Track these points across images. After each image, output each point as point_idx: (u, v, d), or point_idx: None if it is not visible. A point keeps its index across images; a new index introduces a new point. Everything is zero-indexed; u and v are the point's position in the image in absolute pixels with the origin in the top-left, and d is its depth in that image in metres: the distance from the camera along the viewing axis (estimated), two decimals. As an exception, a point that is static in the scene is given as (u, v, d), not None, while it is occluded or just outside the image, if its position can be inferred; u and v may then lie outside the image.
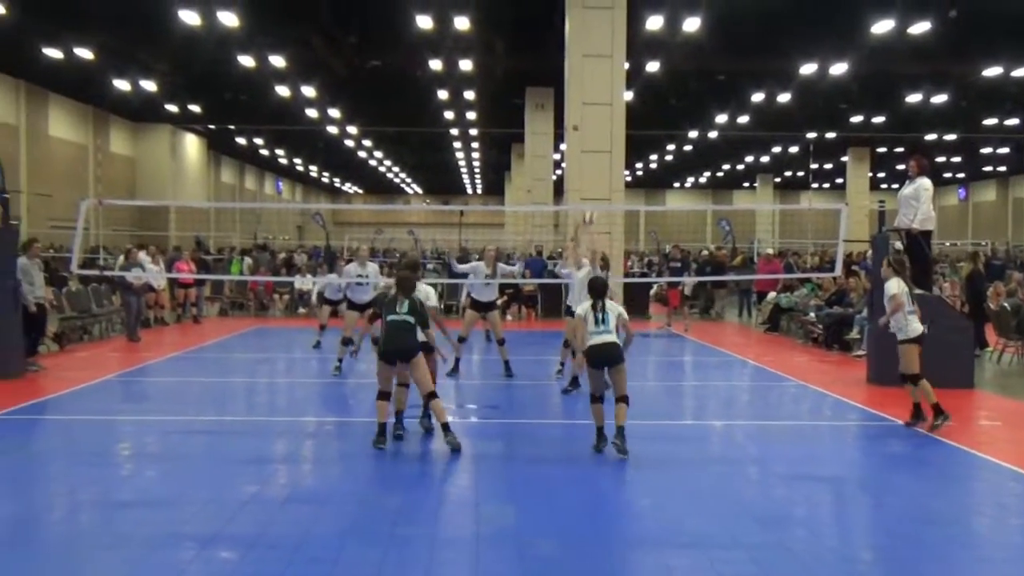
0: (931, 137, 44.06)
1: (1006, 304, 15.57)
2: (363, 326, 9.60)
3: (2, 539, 6.06)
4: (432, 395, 8.45)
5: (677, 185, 74.52)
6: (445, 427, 8.28)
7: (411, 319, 8.39)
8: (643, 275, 28.43)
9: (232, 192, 58.90)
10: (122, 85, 32.25)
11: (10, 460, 8.06)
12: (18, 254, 12.84)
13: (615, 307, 8.32)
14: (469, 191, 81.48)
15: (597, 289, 8.36)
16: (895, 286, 9.69)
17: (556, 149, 36.65)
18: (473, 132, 45.87)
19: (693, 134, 44.51)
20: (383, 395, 8.46)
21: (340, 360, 12.87)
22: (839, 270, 15.73)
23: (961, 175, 64.97)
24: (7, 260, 12.33)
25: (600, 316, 8.14)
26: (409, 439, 8.87)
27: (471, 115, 40.03)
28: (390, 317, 8.44)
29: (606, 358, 8.10)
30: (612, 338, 8.11)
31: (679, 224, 53.35)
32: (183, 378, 13.07)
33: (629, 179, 57.12)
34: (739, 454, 8.79)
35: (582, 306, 8.38)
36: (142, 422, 9.66)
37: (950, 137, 44.18)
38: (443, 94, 34.21)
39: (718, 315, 23.68)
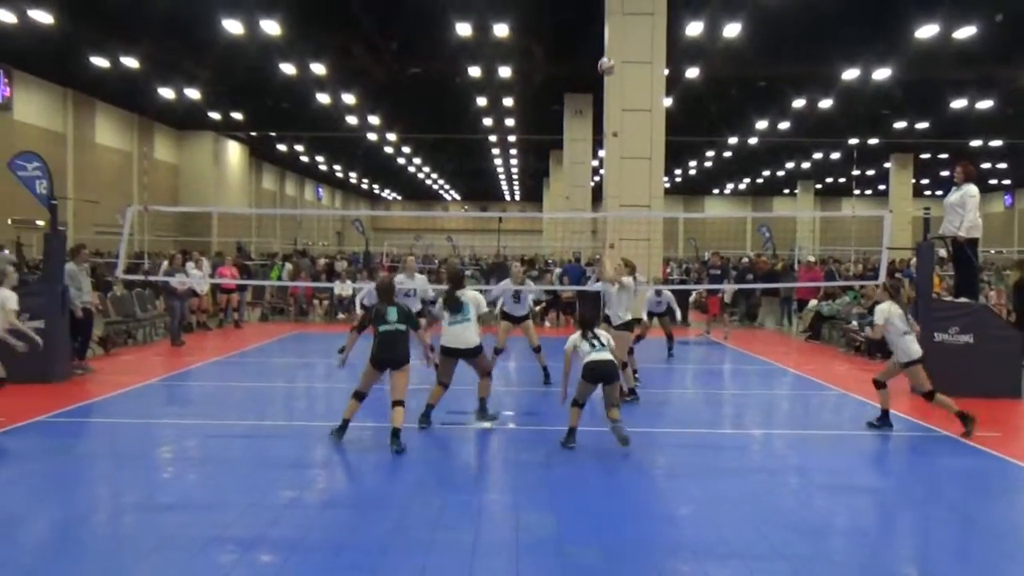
0: (976, 143, 43.40)
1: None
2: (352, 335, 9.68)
3: (51, 540, 6.17)
4: (399, 403, 8.69)
5: (716, 192, 74.11)
6: (396, 432, 8.50)
7: (403, 327, 8.78)
8: (682, 282, 28.25)
9: (273, 198, 59.54)
10: (166, 93, 32.79)
11: (57, 462, 8.20)
12: (66, 259, 13.07)
13: (604, 334, 8.96)
14: (507, 197, 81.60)
15: (586, 322, 8.98)
16: (884, 311, 9.78)
17: (595, 155, 36.60)
18: (512, 138, 45.96)
19: (733, 140, 44.23)
20: (358, 395, 8.88)
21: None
22: (883, 277, 15.52)
23: (1007, 182, 63.89)
24: (55, 265, 12.56)
25: (593, 343, 8.72)
26: (449, 445, 8.89)
27: (510, 121, 40.13)
28: (382, 327, 8.81)
29: (603, 374, 8.59)
30: (609, 356, 8.66)
31: (718, 231, 53.11)
32: (224, 382, 13.22)
33: (668, 186, 56.83)
34: (779, 463, 8.70)
35: (572, 337, 8.87)
36: (184, 425, 9.78)
37: (996, 143, 43.47)
38: (482, 100, 34.33)
39: (760, 323, 23.49)
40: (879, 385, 9.98)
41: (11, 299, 10.72)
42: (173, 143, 44.40)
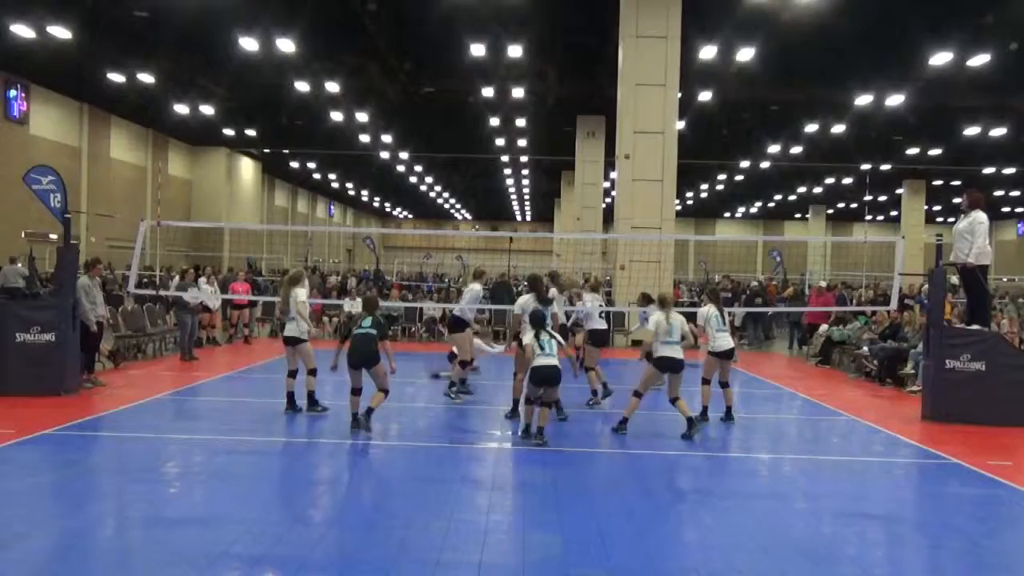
0: (989, 170, 43.32)
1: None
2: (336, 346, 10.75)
3: (58, 554, 6.16)
4: (382, 390, 10.25)
5: (728, 215, 74.10)
6: (369, 411, 10.15)
7: (373, 331, 10.11)
8: (692, 305, 28.18)
9: (285, 215, 59.77)
10: (181, 109, 33.01)
11: (65, 475, 8.21)
12: (79, 273, 13.13)
13: (556, 336, 9.88)
14: (518, 218, 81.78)
15: (537, 321, 9.88)
16: (702, 313, 11.90)
17: (606, 177, 36.68)
18: (523, 159, 46.09)
19: (745, 164, 44.28)
20: (354, 391, 10.27)
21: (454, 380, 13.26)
22: (895, 303, 15.50)
23: (1020, 209, 63.67)
24: (67, 279, 12.61)
25: (543, 346, 9.61)
26: (457, 464, 8.87)
27: (522, 142, 40.27)
28: (355, 331, 10.23)
29: (547, 378, 9.56)
30: (554, 361, 9.53)
31: (729, 254, 52.96)
32: (233, 398, 13.23)
33: (679, 208, 56.91)
34: (789, 488, 8.65)
35: (530, 335, 9.76)
36: (192, 441, 9.78)
37: (1009, 171, 43.38)
38: (494, 121, 34.47)
39: (767, 346, 23.42)
40: (705, 382, 11.70)
41: None
42: (187, 158, 44.67)
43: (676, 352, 10.41)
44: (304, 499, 7.53)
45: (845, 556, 6.51)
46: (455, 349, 13.69)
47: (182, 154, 44.13)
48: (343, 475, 8.72)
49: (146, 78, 28.01)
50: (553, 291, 12.49)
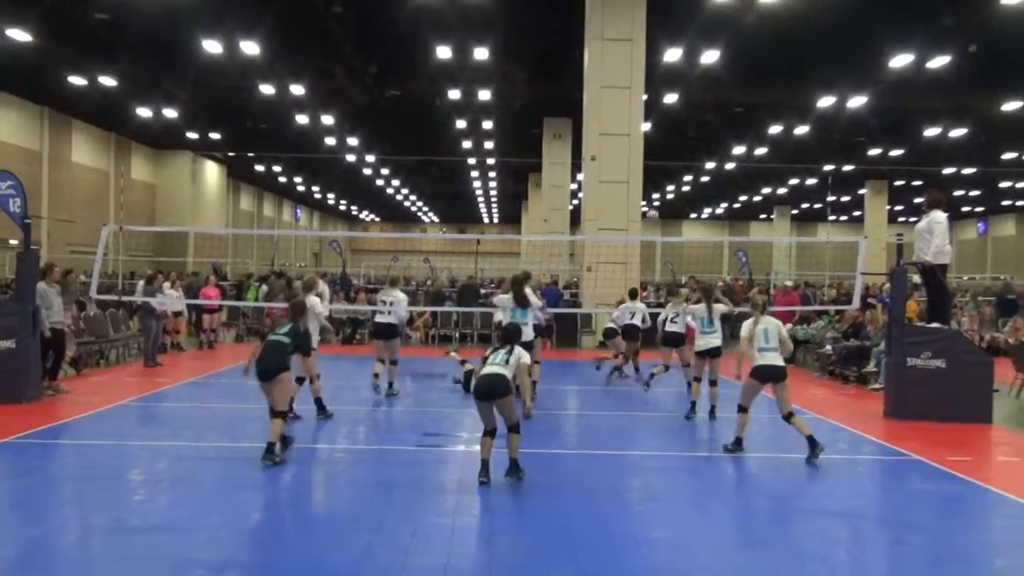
0: (950, 171, 43.97)
1: (1025, 339, 15.46)
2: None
3: (19, 562, 6.06)
4: (276, 414, 8.78)
5: (694, 216, 74.60)
6: (269, 446, 8.67)
7: (286, 340, 8.99)
8: (659, 305, 28.34)
9: (250, 219, 59.36)
10: (144, 112, 32.68)
11: (26, 483, 8.09)
12: (37, 279, 12.93)
13: (521, 352, 8.32)
14: (486, 220, 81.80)
15: (510, 336, 8.51)
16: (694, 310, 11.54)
17: (573, 179, 36.78)
18: (490, 161, 46.12)
19: (710, 165, 44.61)
20: (270, 410, 8.86)
21: (394, 384, 13.50)
22: (857, 303, 15.69)
23: (980, 209, 64.72)
24: (27, 285, 12.43)
25: (490, 357, 8.24)
26: (424, 467, 8.86)
27: (489, 144, 40.30)
28: (269, 337, 9.20)
29: (489, 390, 8.00)
30: (500, 370, 8.05)
31: (695, 255, 53.27)
32: (198, 403, 13.10)
33: (645, 209, 57.14)
34: (755, 487, 8.72)
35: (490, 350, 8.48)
36: (156, 447, 9.68)
37: (969, 171, 44.07)
38: (461, 123, 34.47)
39: (734, 346, 23.56)
40: (696, 379, 12.10)
41: None
42: (150, 162, 44.23)
43: (775, 359, 9.49)
44: (269, 504, 7.48)
45: (810, 553, 6.57)
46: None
47: (145, 158, 43.68)
48: (309, 480, 8.67)
49: (108, 81, 27.71)
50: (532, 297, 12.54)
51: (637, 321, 15.61)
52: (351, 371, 14.89)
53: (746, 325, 9.69)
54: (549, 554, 6.24)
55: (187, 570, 5.78)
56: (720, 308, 12.13)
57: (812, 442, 9.27)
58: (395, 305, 13.36)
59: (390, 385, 13.46)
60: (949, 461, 9.37)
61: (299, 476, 8.73)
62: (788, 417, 9.43)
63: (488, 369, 8.08)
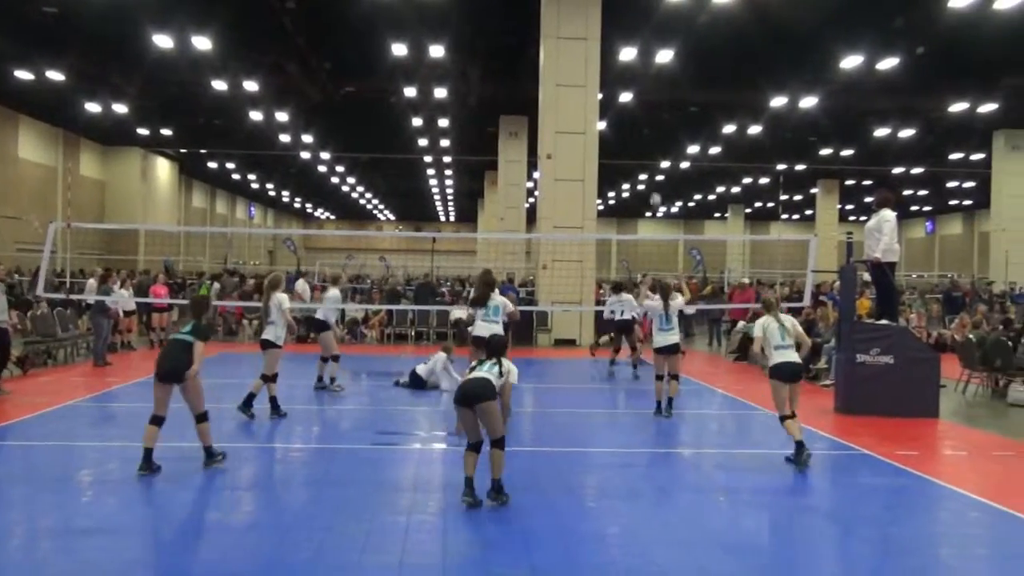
0: (899, 170, 44.74)
1: (971, 336, 15.78)
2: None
3: (-42, 567, 5.93)
4: (198, 417, 8.44)
5: (649, 214, 75.05)
6: (207, 450, 8.49)
7: (190, 338, 8.37)
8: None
9: (203, 216, 58.61)
10: (93, 108, 32.10)
11: (-31, 486, 7.91)
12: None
13: (512, 367, 7.66)
14: (442, 218, 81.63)
15: (493, 348, 7.89)
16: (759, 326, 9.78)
17: (529, 177, 36.84)
18: (447, 159, 46.01)
19: (665, 164, 44.91)
20: (155, 419, 8.29)
21: (325, 379, 13.53)
22: (808, 300, 15.91)
23: (928, 208, 65.94)
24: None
25: (481, 365, 7.63)
26: (377, 465, 8.81)
27: (445, 142, 40.20)
28: (171, 336, 8.78)
29: (471, 393, 7.31)
30: (485, 375, 7.43)
31: (650, 253, 53.67)
32: (148, 403, 12.86)
33: (601, 208, 57.45)
34: (708, 483, 8.80)
35: (473, 363, 7.86)
36: (106, 448, 9.52)
37: (917, 171, 44.88)
38: (417, 121, 34.35)
39: (688, 343, 23.79)
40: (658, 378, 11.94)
41: None
42: (99, 159, 43.43)
43: (792, 356, 9.21)
44: (221, 505, 7.39)
45: (763, 547, 6.66)
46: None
47: (95, 154, 42.90)
48: (261, 480, 8.59)
49: (56, 76, 27.16)
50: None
51: (628, 315, 15.84)
52: (306, 370, 14.75)
53: (759, 324, 9.49)
54: (503, 551, 6.25)
55: (136, 573, 5.70)
56: (677, 304, 12.18)
57: (799, 448, 9.03)
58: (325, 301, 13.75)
59: (332, 380, 13.60)
60: (897, 455, 9.54)
61: (252, 476, 8.65)
62: (790, 416, 9.18)
63: (471, 375, 7.52)
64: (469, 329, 12.40)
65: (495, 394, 7.36)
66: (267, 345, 11.31)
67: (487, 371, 7.48)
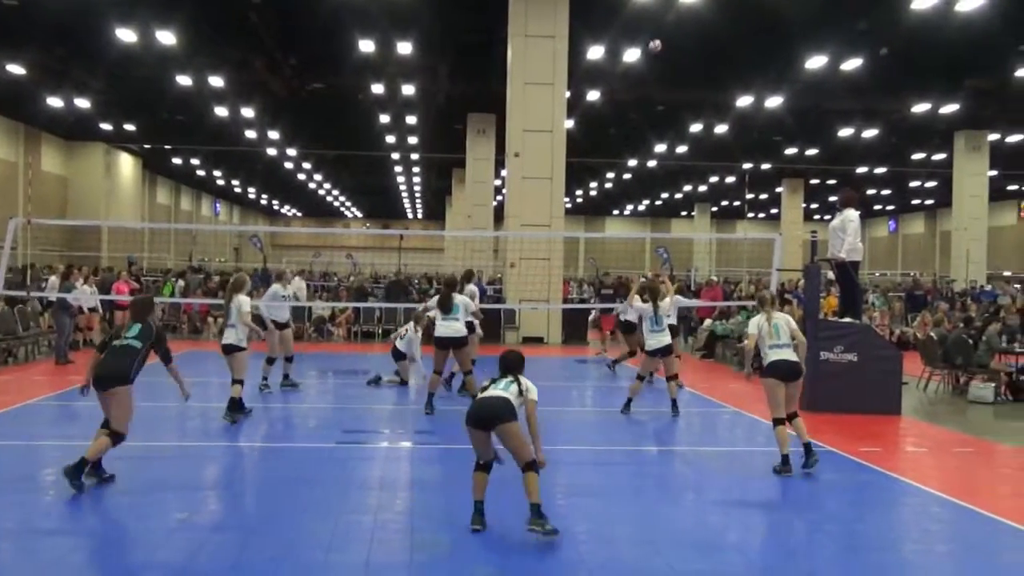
0: (862, 170, 45.27)
1: (933, 333, 16.00)
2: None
3: (-85, 569, 5.83)
4: (114, 435, 7.55)
5: (616, 212, 75.34)
6: (80, 464, 7.36)
7: (137, 343, 7.70)
8: (582, 301, 28.59)
9: (167, 213, 57.99)
10: (55, 102, 31.62)
11: (-74, 487, 7.77)
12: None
13: (530, 385, 6.85)
14: (409, 215, 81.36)
15: (508, 363, 7.07)
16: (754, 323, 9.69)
17: (497, 175, 36.82)
18: (414, 157, 45.87)
19: (632, 162, 45.09)
20: (104, 425, 7.62)
21: (266, 377, 13.24)
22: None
23: (891, 207, 66.77)
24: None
25: (497, 381, 6.89)
26: (348, 464, 8.77)
27: (412, 140, 40.08)
28: (114, 341, 7.84)
29: (485, 414, 6.59)
30: (502, 393, 6.71)
31: (618, 251, 53.86)
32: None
33: (569, 206, 57.60)
34: (675, 480, 8.85)
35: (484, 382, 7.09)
36: (68, 447, 9.37)
37: (880, 170, 45.43)
38: (384, 118, 34.21)
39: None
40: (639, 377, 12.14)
41: None
42: (62, 154, 42.80)
43: (788, 354, 8.80)
44: (187, 504, 7.31)
45: (728, 544, 6.70)
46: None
47: (57, 149, 42.26)
48: (226, 479, 8.51)
49: (16, 69, 26.71)
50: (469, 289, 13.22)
51: (632, 317, 15.94)
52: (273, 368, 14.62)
53: (754, 322, 9.12)
54: (471, 550, 6.24)
55: (99, 573, 5.62)
56: (667, 305, 12.27)
57: (808, 449, 8.73)
58: (298, 293, 13.62)
59: (286, 377, 13.56)
60: (861, 452, 9.66)
61: (216, 475, 8.57)
62: (792, 417, 8.80)
63: (486, 394, 6.76)
64: (428, 314, 12.52)
65: (515, 414, 6.60)
66: (230, 349, 10.96)
67: (503, 389, 6.72)
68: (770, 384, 8.77)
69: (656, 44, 16.40)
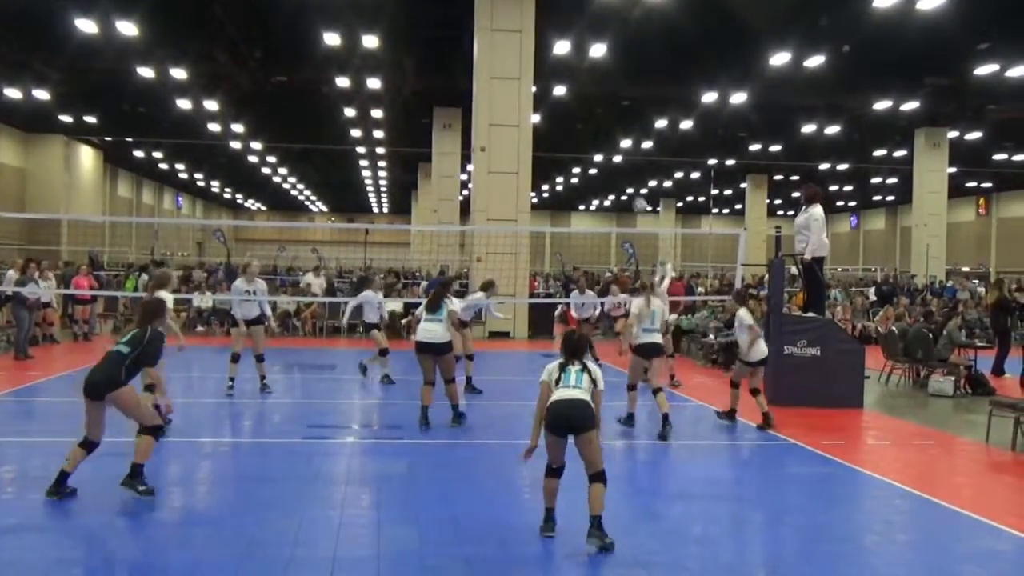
0: (825, 166, 45.74)
1: (894, 328, 16.23)
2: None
3: None
4: (150, 430, 7.35)
5: (582, 207, 75.52)
6: (134, 469, 7.21)
7: (126, 349, 7.29)
8: (548, 296, 28.66)
9: (129, 206, 57.27)
10: (13, 93, 31.07)
11: None
12: None
13: (595, 368, 6.54)
14: (375, 210, 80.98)
15: (574, 346, 6.61)
16: (748, 316, 10.78)
17: (463, 169, 36.77)
18: (380, 151, 45.67)
19: (598, 157, 45.22)
20: (85, 442, 7.23)
21: (232, 379, 12.58)
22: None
23: (853, 203, 67.55)
24: None
25: (569, 374, 6.44)
26: (310, 460, 8.72)
27: (378, 133, 39.90)
28: (108, 347, 7.54)
29: (572, 423, 6.26)
30: (582, 395, 6.31)
31: (584, 246, 54.01)
32: (72, 398, 12.52)
33: (535, 200, 57.60)
34: (638, 473, 8.90)
35: (550, 367, 6.57)
36: (28, 443, 9.27)
37: (842, 167, 45.94)
38: (350, 112, 34.02)
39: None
40: (734, 385, 11.14)
41: None
42: (20, 146, 42.09)
43: (656, 338, 10.44)
44: (148, 502, 7.23)
45: (691, 536, 6.76)
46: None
47: (14, 141, 41.55)
48: (189, 475, 8.43)
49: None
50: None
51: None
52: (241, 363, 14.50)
53: (637, 303, 10.35)
54: (437, 543, 6.24)
55: (62, 571, 5.55)
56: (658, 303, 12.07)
57: (665, 419, 10.08)
58: (259, 294, 12.69)
59: (263, 379, 12.80)
60: (823, 445, 9.77)
61: (180, 471, 8.48)
62: (656, 391, 10.32)
63: (566, 394, 6.29)
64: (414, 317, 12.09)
65: (596, 421, 6.33)
66: None
67: (577, 383, 6.34)
68: (637, 360, 10.42)
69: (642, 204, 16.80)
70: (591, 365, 6.51)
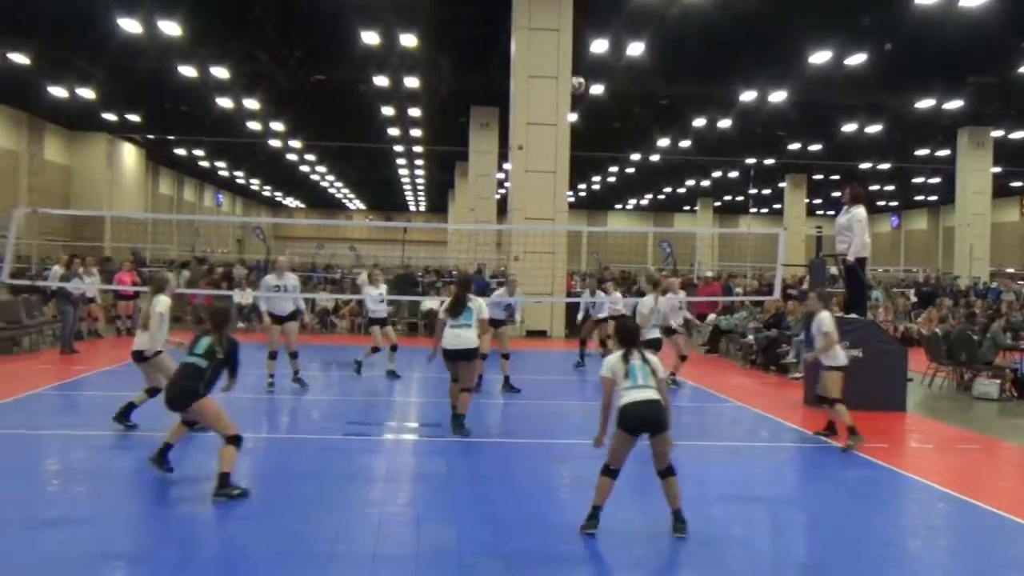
0: (865, 166, 45.16)
1: (937, 330, 15.98)
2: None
3: (-79, 558, 5.83)
4: (231, 439, 7.26)
5: (619, 207, 75.24)
6: (222, 478, 7.12)
7: (203, 363, 7.25)
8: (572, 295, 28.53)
9: (170, 204, 57.97)
10: (59, 92, 31.57)
11: (-69, 475, 7.77)
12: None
13: (654, 359, 6.58)
14: (412, 208, 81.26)
15: (629, 336, 6.67)
16: (829, 321, 9.96)
17: (500, 168, 36.76)
18: (417, 149, 45.81)
19: (635, 156, 45.01)
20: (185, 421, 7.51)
21: (271, 376, 12.61)
22: (777, 294, 16.02)
23: (894, 203, 66.64)
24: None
25: (635, 370, 6.41)
26: (350, 457, 8.77)
27: (415, 132, 40.01)
28: (185, 357, 7.48)
29: (649, 424, 6.35)
30: (654, 394, 6.37)
31: (621, 245, 53.80)
32: (115, 392, 12.73)
33: (572, 200, 57.45)
34: (681, 475, 8.83)
35: (610, 360, 6.57)
36: (72, 437, 9.40)
37: (884, 166, 45.33)
38: (388, 110, 34.14)
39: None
40: (830, 401, 9.93)
41: None
42: (65, 144, 42.76)
43: (656, 334, 11.27)
44: (190, 497, 7.31)
45: (732, 537, 6.71)
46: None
47: (60, 139, 42.22)
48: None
49: (20, 59, 26.67)
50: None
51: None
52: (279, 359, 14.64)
53: (645, 302, 10.71)
54: (476, 541, 6.24)
55: (102, 564, 5.62)
56: (668, 300, 12.28)
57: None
58: (293, 290, 12.65)
59: (296, 374, 12.80)
60: (866, 448, 9.64)
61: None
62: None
63: (640, 395, 6.31)
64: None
65: (669, 420, 6.40)
66: (137, 357, 9.73)
67: (645, 382, 6.35)
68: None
69: (579, 83, 16.54)
70: (649, 355, 6.53)
